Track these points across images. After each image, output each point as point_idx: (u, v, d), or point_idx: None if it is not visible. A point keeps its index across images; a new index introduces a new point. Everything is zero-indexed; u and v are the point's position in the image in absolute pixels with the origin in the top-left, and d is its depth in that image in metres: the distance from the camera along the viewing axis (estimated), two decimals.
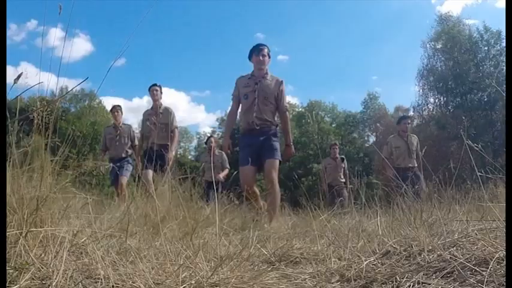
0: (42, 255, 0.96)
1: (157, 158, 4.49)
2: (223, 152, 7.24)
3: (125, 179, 5.27)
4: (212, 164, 7.10)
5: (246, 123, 3.67)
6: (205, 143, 7.76)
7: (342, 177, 7.50)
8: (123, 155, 5.53)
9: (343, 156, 8.08)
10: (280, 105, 3.71)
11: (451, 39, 21.50)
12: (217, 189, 5.98)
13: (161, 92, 5.40)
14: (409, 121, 6.52)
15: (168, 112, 5.20)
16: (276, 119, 3.72)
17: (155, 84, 5.31)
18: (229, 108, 3.94)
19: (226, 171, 7.21)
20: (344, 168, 7.66)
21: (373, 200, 2.08)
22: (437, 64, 22.66)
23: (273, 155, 3.51)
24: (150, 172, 4.56)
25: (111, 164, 5.39)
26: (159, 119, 5.05)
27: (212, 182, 6.07)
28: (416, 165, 5.83)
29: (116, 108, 5.90)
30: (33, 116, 1.39)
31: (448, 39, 21.74)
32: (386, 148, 6.36)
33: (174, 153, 5.07)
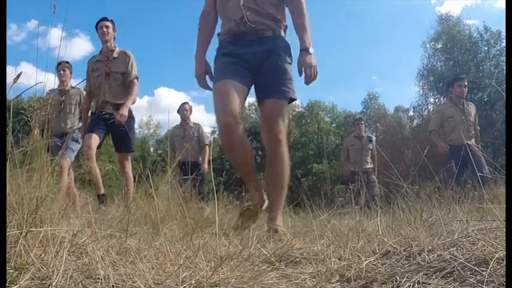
0: (42, 255, 0.96)
1: (111, 123, 3.38)
2: (200, 124, 5.84)
3: (67, 161, 3.46)
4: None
5: (232, 23, 2.12)
6: (178, 111, 5.83)
7: (369, 161, 5.79)
8: (68, 129, 3.93)
9: (370, 134, 6.63)
10: None
11: (451, 39, 21.52)
12: (196, 174, 4.79)
13: (114, 30, 3.73)
14: (465, 84, 4.69)
15: (125, 56, 3.65)
16: (281, 16, 2.18)
17: (105, 19, 3.68)
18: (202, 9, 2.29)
19: (206, 154, 5.59)
20: (372, 150, 5.87)
21: (374, 200, 2.08)
22: (437, 64, 22.69)
23: (281, 91, 2.05)
24: (94, 137, 3.33)
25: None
26: (112, 66, 3.59)
27: (187, 163, 4.71)
28: (474, 142, 4.30)
29: (62, 66, 4.22)
30: (31, 116, 1.39)
31: (448, 39, 21.77)
32: (436, 118, 4.74)
33: (126, 110, 3.44)
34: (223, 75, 2.06)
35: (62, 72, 4.27)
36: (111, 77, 3.61)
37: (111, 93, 3.54)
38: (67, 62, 4.35)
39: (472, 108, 4.60)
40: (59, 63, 4.23)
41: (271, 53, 2.10)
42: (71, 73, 4.40)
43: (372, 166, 5.74)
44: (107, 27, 3.69)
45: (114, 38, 3.76)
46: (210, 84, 2.22)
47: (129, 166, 3.68)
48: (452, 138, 4.21)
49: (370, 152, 5.86)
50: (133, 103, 3.72)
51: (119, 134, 3.53)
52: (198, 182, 4.90)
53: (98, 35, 3.70)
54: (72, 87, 4.31)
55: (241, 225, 1.96)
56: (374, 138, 6.37)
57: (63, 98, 4.00)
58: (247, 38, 2.11)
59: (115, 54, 3.68)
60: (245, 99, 2.14)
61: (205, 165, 5.57)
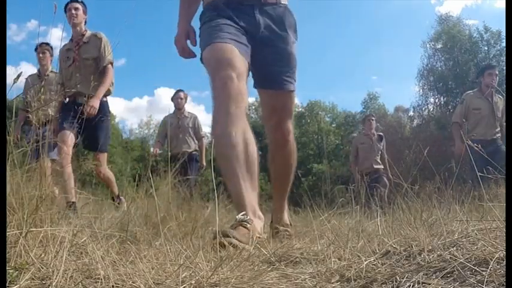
0: (42, 255, 0.96)
1: (84, 119, 2.87)
2: (195, 115, 5.26)
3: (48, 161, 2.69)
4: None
5: None
6: (172, 99, 5.30)
7: (379, 161, 5.35)
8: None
9: (381, 133, 5.74)
10: None
11: (451, 39, 21.54)
12: (190, 167, 4.45)
13: (85, 13, 3.36)
14: (497, 72, 4.25)
15: (96, 39, 3.26)
16: None
17: (74, 0, 3.30)
18: None
19: (203, 148, 5.12)
20: (382, 149, 5.40)
21: (374, 200, 2.08)
22: (437, 64, 22.72)
23: (289, 82, 1.76)
24: (69, 134, 2.96)
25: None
26: (82, 52, 3.22)
27: (179, 155, 4.35)
28: (499, 136, 3.99)
29: (41, 48, 3.91)
30: (31, 116, 1.39)
31: (448, 39, 21.79)
32: (460, 109, 4.24)
33: (96, 102, 3.09)
34: (218, 37, 1.58)
35: (41, 55, 3.93)
36: (81, 64, 3.20)
37: (83, 83, 3.08)
38: (47, 44, 3.97)
39: (500, 102, 4.15)
40: (39, 45, 3.92)
41: (276, 33, 1.72)
42: (51, 56, 4.04)
43: (382, 167, 5.31)
44: (76, 9, 3.28)
45: (85, 22, 3.36)
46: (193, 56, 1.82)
47: (104, 167, 3.32)
48: (477, 132, 3.79)
49: (380, 151, 5.40)
50: (109, 93, 3.37)
51: (90, 132, 3.13)
52: (190, 171, 4.53)
53: (66, 16, 3.28)
54: (52, 72, 3.96)
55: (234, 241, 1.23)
56: (384, 139, 5.58)
57: (43, 83, 3.30)
58: (245, 3, 1.70)
59: (85, 39, 3.27)
60: (247, 77, 1.65)
61: (203, 162, 5.12)
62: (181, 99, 5.22)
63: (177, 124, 5.09)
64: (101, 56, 3.25)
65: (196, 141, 5.16)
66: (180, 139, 5.00)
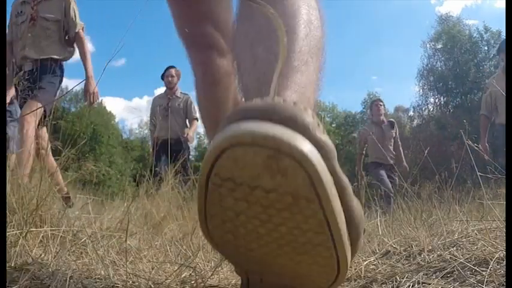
0: (42, 255, 0.96)
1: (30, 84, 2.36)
2: (189, 96, 4.60)
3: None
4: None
5: None
6: (162, 77, 4.64)
7: (393, 151, 4.61)
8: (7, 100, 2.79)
9: (392, 119, 5.01)
10: None
11: (451, 39, 21.57)
12: (180, 153, 3.68)
13: None
14: None
15: None
16: None
17: None
18: None
19: (194, 126, 4.53)
20: (395, 137, 4.70)
21: (374, 200, 2.08)
22: (437, 64, 22.74)
23: None
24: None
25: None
26: (40, 9, 2.65)
27: (168, 141, 3.67)
28: None
29: None
30: None
31: (448, 39, 21.82)
32: (485, 99, 3.78)
33: (93, 83, 2.63)
34: None
35: None
36: (37, 23, 2.62)
37: (34, 46, 2.57)
38: None
39: None
40: None
41: None
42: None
43: (394, 160, 4.59)
44: None
45: None
46: None
47: (34, 122, 2.38)
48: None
49: (393, 140, 4.69)
50: (69, 58, 2.82)
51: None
52: (183, 160, 4.15)
53: None
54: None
55: None
56: (396, 125, 4.79)
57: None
58: None
59: None
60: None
61: (191, 134, 4.47)
62: (173, 76, 4.56)
63: (166, 105, 4.46)
64: (70, 21, 2.69)
65: (188, 125, 4.57)
66: (169, 122, 4.31)
